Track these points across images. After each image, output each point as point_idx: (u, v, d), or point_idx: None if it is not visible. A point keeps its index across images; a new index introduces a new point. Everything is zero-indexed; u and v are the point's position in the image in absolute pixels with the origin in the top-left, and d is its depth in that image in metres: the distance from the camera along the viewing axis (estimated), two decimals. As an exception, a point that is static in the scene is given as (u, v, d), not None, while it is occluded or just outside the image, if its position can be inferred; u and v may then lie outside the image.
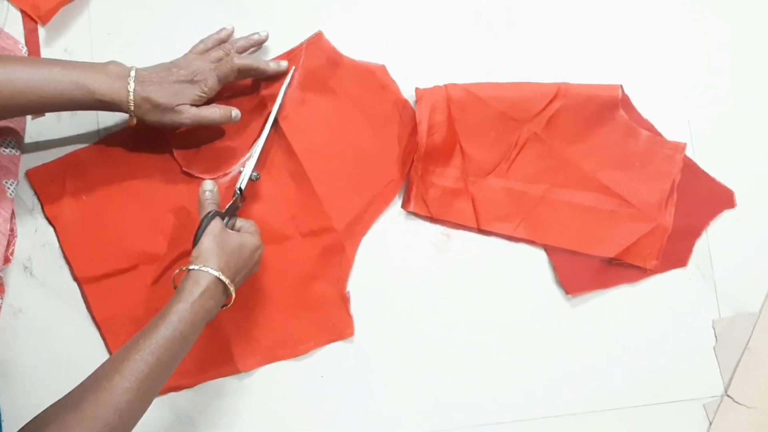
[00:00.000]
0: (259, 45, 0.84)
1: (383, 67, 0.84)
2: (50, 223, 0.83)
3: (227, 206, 0.78)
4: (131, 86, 0.74)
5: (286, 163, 0.83)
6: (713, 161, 0.85)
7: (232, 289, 0.71)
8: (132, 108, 0.74)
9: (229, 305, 0.72)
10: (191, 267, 0.70)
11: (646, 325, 0.84)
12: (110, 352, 0.82)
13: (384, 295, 0.84)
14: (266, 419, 0.82)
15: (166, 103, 0.75)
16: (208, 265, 0.70)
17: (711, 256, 0.84)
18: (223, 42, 0.82)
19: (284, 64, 0.83)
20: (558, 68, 0.85)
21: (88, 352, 0.82)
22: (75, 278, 0.82)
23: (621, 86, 0.83)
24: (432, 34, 0.86)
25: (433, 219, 0.84)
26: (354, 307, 0.83)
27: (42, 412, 0.63)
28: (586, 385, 0.83)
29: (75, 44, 0.84)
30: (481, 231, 0.84)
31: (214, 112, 0.78)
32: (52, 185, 0.83)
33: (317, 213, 0.83)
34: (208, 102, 0.79)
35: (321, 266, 0.83)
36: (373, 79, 0.84)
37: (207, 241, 0.72)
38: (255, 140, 0.83)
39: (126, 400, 0.63)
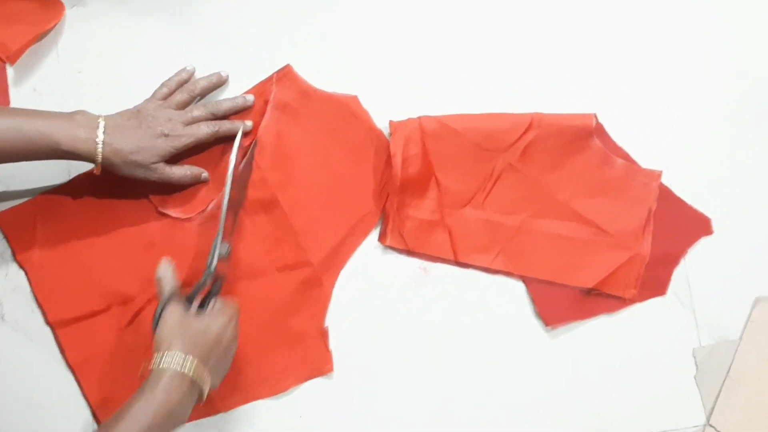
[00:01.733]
0: (220, 86, 0.83)
1: (355, 98, 0.84)
2: (21, 267, 0.81)
3: (194, 287, 0.74)
4: (99, 138, 0.72)
5: (260, 197, 0.83)
6: (689, 189, 0.85)
7: (200, 383, 0.67)
8: (100, 160, 0.73)
9: (203, 399, 0.68)
10: (152, 366, 0.66)
11: (627, 355, 0.83)
12: (85, 397, 0.80)
13: (363, 331, 0.83)
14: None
15: (137, 160, 0.74)
16: (168, 361, 0.66)
17: (689, 284, 0.84)
18: (184, 83, 0.81)
19: (249, 123, 0.82)
20: (532, 98, 0.85)
21: (63, 397, 0.80)
22: (48, 322, 0.81)
23: (595, 115, 0.83)
24: (404, 67, 0.85)
25: (410, 252, 0.83)
26: (332, 343, 0.82)
27: None
28: (567, 417, 0.82)
29: (44, 84, 0.83)
30: (458, 263, 0.83)
31: (185, 174, 0.78)
32: (22, 229, 0.82)
33: (292, 247, 0.82)
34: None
35: (298, 301, 0.82)
36: (346, 110, 0.84)
37: (165, 332, 0.68)
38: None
39: None
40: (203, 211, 0.82)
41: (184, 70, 0.82)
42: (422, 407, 0.82)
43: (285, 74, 0.84)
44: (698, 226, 0.85)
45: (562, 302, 0.83)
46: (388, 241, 0.83)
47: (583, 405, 0.82)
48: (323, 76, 0.84)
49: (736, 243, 0.85)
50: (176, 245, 0.81)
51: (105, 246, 0.82)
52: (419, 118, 0.83)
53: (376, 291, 0.83)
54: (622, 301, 0.83)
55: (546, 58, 0.86)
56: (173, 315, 0.69)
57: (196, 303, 0.73)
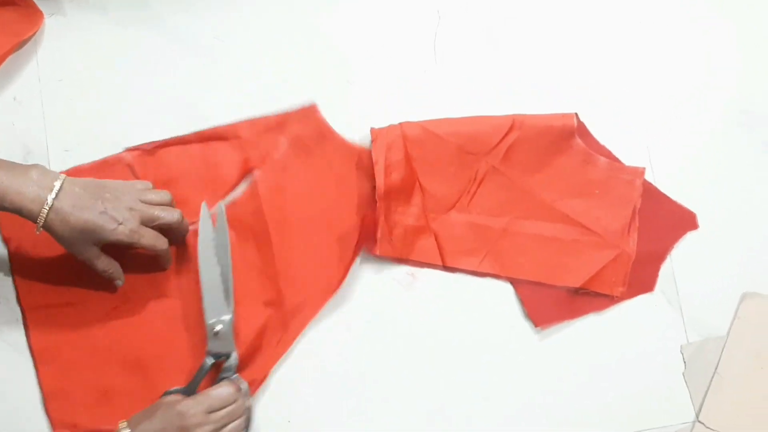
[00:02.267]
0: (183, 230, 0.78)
1: (369, 151, 0.83)
2: (5, 244, 0.80)
3: (192, 378, 0.75)
4: (49, 202, 0.67)
5: (253, 225, 0.81)
6: (674, 185, 0.85)
7: None
8: (41, 225, 0.68)
9: None
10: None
11: (615, 354, 0.83)
12: (41, 385, 0.78)
13: (353, 338, 0.82)
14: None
15: (78, 239, 0.70)
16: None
17: (676, 281, 0.84)
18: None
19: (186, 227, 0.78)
20: (513, 100, 0.85)
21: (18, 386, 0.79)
22: (19, 304, 0.79)
23: (576, 114, 0.83)
24: (385, 73, 0.86)
25: (398, 259, 0.83)
26: (321, 351, 0.82)
27: None
28: (558, 417, 0.82)
29: (24, 92, 0.82)
30: (446, 268, 0.83)
31: (106, 269, 0.74)
32: None
33: (270, 285, 0.81)
34: None
35: (256, 340, 0.80)
36: (358, 161, 0.83)
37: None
38: None
39: None
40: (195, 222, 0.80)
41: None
42: (414, 411, 0.81)
43: (309, 112, 0.83)
44: (684, 221, 0.85)
45: (550, 303, 0.82)
46: (378, 252, 0.82)
47: (573, 404, 0.82)
48: (311, 81, 0.85)
49: (722, 239, 0.85)
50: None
51: None
52: (401, 124, 0.83)
53: (364, 298, 0.82)
54: (611, 299, 0.83)
55: (526, 59, 0.87)
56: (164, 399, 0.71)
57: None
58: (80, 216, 0.69)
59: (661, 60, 0.88)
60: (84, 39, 0.84)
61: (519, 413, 0.82)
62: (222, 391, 0.72)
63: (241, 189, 0.82)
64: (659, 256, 0.84)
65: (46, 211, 0.67)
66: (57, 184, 0.68)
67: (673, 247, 0.84)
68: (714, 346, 0.84)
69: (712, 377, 0.83)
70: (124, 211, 0.71)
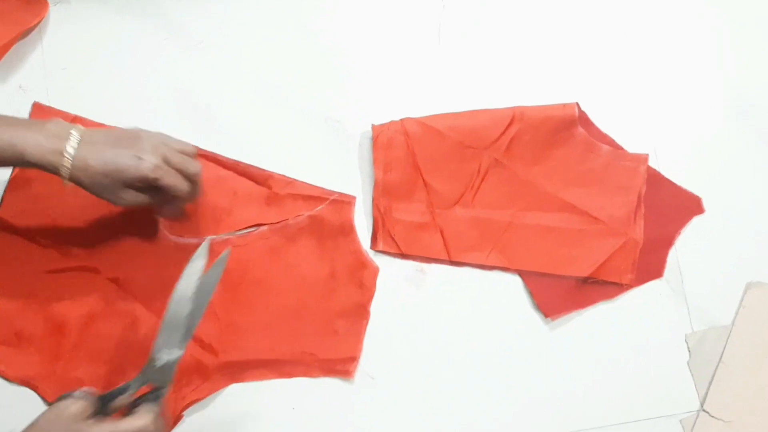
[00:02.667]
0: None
1: (376, 270, 0.82)
2: None
3: (116, 388, 0.67)
4: (69, 151, 0.65)
5: (234, 269, 0.79)
6: (678, 172, 0.85)
7: None
8: (66, 176, 0.66)
9: None
10: None
11: (620, 344, 0.83)
12: None
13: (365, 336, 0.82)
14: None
15: (105, 182, 0.67)
16: None
17: (681, 271, 0.84)
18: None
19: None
20: (515, 91, 0.85)
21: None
22: None
23: (577, 104, 0.83)
24: (388, 63, 0.85)
25: (404, 255, 0.82)
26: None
27: None
28: (566, 406, 0.82)
29: (30, 80, 0.82)
30: (453, 263, 0.82)
31: (143, 200, 0.70)
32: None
33: (216, 331, 0.79)
34: None
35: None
36: (359, 274, 0.82)
37: (43, 415, 0.63)
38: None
39: None
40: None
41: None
42: (427, 404, 0.81)
43: (345, 202, 0.82)
44: (689, 205, 0.85)
45: (560, 293, 0.82)
46: (380, 246, 0.82)
47: (580, 393, 0.82)
48: (306, 79, 0.85)
49: (726, 228, 0.85)
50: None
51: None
52: (401, 120, 0.83)
53: (376, 296, 0.82)
54: (620, 287, 0.83)
55: (529, 48, 0.87)
56: (66, 408, 0.63)
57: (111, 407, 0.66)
58: (101, 158, 0.66)
59: (664, 47, 0.88)
60: (89, 28, 0.83)
61: (530, 403, 0.82)
62: (139, 423, 0.64)
63: (242, 233, 0.81)
64: (666, 242, 0.84)
65: (69, 161, 0.65)
66: (74, 134, 0.66)
67: (680, 232, 0.84)
68: (719, 335, 0.83)
69: (717, 366, 0.83)
70: (146, 150, 0.67)
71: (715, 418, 0.81)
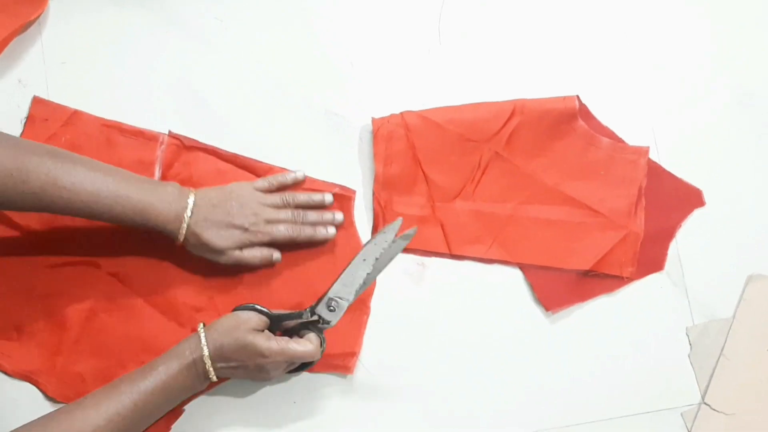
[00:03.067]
0: (321, 205, 0.81)
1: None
2: None
3: (288, 312, 0.76)
4: (185, 221, 0.72)
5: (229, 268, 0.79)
6: (679, 164, 0.85)
7: (210, 372, 0.71)
8: (181, 240, 0.73)
9: (207, 390, 0.74)
10: (201, 330, 0.72)
11: (621, 337, 0.83)
12: None
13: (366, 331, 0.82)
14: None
15: (212, 247, 0.74)
16: (208, 340, 0.71)
17: (681, 264, 0.84)
18: (286, 187, 0.80)
19: (334, 229, 0.80)
20: (515, 84, 0.85)
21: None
22: None
23: (577, 96, 0.83)
24: (388, 55, 0.85)
25: (404, 249, 0.81)
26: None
27: None
28: (567, 399, 0.82)
29: (29, 75, 0.82)
30: (454, 256, 0.82)
31: (255, 256, 0.77)
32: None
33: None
34: None
35: None
36: None
37: (225, 322, 0.72)
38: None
39: None
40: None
41: (291, 173, 0.81)
42: (427, 398, 0.81)
43: (346, 196, 0.82)
44: (690, 198, 0.85)
45: (560, 286, 0.82)
46: (378, 240, 0.82)
47: (580, 386, 0.82)
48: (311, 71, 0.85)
49: (727, 221, 0.85)
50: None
51: None
52: (402, 113, 0.83)
53: (375, 291, 0.82)
54: (621, 280, 0.83)
55: (529, 40, 0.86)
56: (245, 317, 0.72)
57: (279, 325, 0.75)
58: (211, 229, 0.73)
59: (663, 39, 0.88)
60: (88, 21, 0.83)
61: (530, 396, 0.82)
62: (308, 348, 0.72)
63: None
64: (667, 235, 0.84)
65: (184, 230, 0.72)
66: (190, 202, 0.73)
67: (680, 225, 0.84)
68: (720, 328, 0.83)
69: (718, 359, 0.83)
70: (251, 216, 0.75)
71: (717, 411, 0.81)
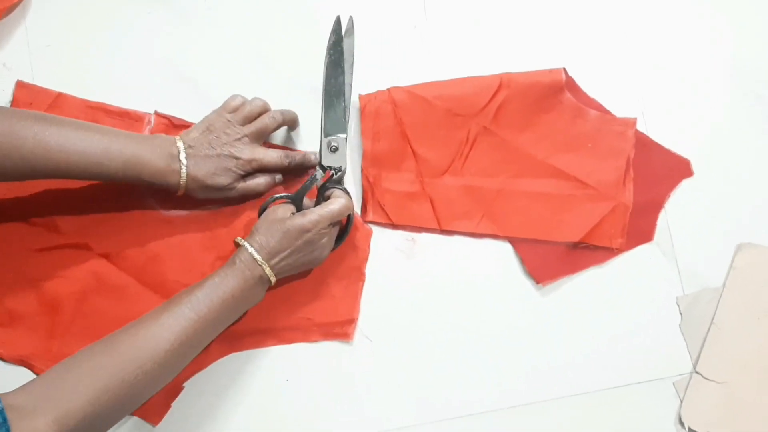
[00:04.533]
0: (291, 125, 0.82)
1: (369, 231, 0.82)
2: None
3: (301, 187, 0.78)
4: (183, 170, 0.73)
5: (223, 240, 0.81)
6: (667, 135, 0.85)
7: (268, 272, 0.72)
8: (182, 190, 0.74)
9: (272, 285, 0.74)
10: (241, 241, 0.73)
11: (613, 308, 0.83)
12: None
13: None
14: (228, 424, 0.80)
15: (217, 184, 0.75)
16: (253, 245, 0.72)
17: (671, 233, 0.84)
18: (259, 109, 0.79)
19: (315, 157, 0.81)
20: (502, 58, 0.84)
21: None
22: None
23: (564, 69, 0.83)
24: (374, 31, 0.84)
25: (394, 225, 0.82)
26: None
27: (75, 354, 0.65)
28: (559, 371, 0.82)
29: (14, 58, 0.82)
30: (444, 231, 0.83)
31: (260, 183, 0.78)
32: None
33: None
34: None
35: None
36: (352, 236, 0.82)
37: (259, 224, 0.74)
38: None
39: (163, 350, 0.65)
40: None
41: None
42: (420, 373, 0.82)
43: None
44: (678, 168, 0.85)
45: (550, 259, 0.82)
46: (370, 217, 0.82)
47: (573, 358, 0.82)
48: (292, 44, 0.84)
49: (716, 190, 0.85)
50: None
51: None
52: (388, 89, 0.82)
53: (368, 263, 0.82)
54: (610, 252, 0.83)
55: (516, 12, 0.86)
56: (274, 212, 0.74)
57: (303, 202, 0.77)
58: (206, 168, 0.74)
59: (650, 9, 0.87)
60: (72, 4, 0.83)
61: (522, 368, 0.82)
62: (342, 203, 0.75)
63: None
64: (656, 205, 0.84)
65: (183, 180, 0.73)
66: (181, 146, 0.73)
67: (669, 195, 0.84)
68: (710, 297, 0.84)
69: (709, 328, 0.83)
70: (235, 143, 0.76)
71: (708, 379, 0.82)
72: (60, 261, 0.80)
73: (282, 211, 0.74)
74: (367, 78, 0.83)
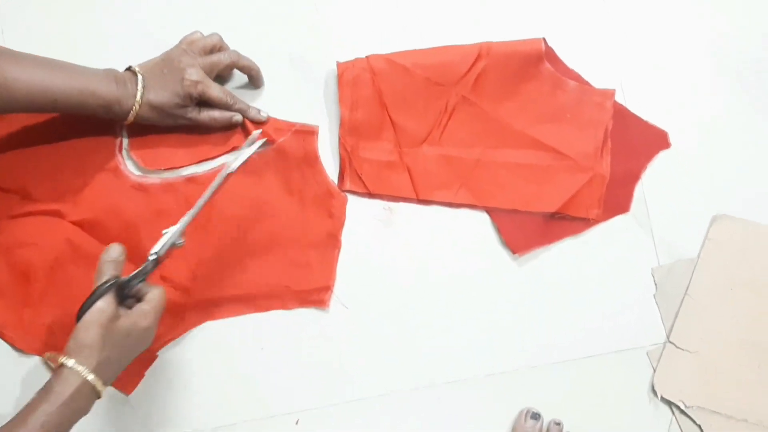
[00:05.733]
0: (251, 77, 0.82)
1: (344, 199, 0.82)
2: None
3: (134, 273, 0.68)
4: (138, 95, 0.73)
5: (207, 212, 0.79)
6: (645, 107, 0.85)
7: (101, 391, 0.64)
8: (136, 114, 0.74)
9: (101, 398, 0.65)
10: (65, 360, 0.63)
11: (589, 278, 0.84)
12: None
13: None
14: (202, 392, 0.80)
15: (163, 104, 0.75)
16: (85, 364, 0.63)
17: (647, 204, 0.85)
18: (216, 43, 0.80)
19: (264, 114, 0.80)
20: (482, 26, 0.84)
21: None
22: None
23: (544, 39, 0.83)
24: (351, 5, 0.84)
25: (372, 195, 0.82)
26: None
27: None
28: (533, 341, 0.83)
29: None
30: (421, 201, 0.82)
31: (213, 116, 0.78)
32: None
33: (187, 269, 0.80)
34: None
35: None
36: (328, 203, 0.82)
37: (90, 331, 0.63)
38: (210, 158, 0.81)
39: None
40: (165, 170, 0.80)
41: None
42: (397, 342, 0.82)
43: (307, 131, 0.82)
44: (656, 140, 0.85)
45: (527, 229, 0.83)
46: (347, 186, 0.81)
47: (547, 327, 0.83)
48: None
49: (692, 162, 0.86)
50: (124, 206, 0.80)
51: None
52: (367, 57, 0.81)
53: (344, 236, 0.82)
54: (587, 222, 0.83)
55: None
56: (101, 317, 0.64)
57: (130, 290, 0.68)
58: (163, 95, 0.75)
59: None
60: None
61: (497, 338, 0.82)
62: (161, 292, 0.69)
63: (207, 170, 0.81)
64: (633, 177, 0.84)
65: (137, 107, 0.74)
66: (140, 81, 0.74)
67: (646, 167, 0.84)
68: (685, 268, 0.84)
69: (683, 299, 0.84)
70: (189, 69, 0.75)
71: (681, 349, 0.83)
72: (33, 229, 0.79)
73: (108, 312, 0.64)
74: (345, 45, 0.83)
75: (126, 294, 0.68)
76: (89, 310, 0.64)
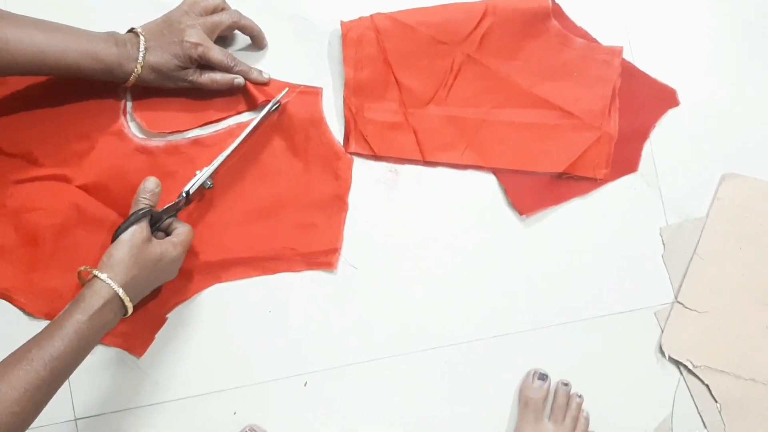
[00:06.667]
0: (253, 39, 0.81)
1: (350, 160, 0.81)
2: None
3: (166, 207, 0.73)
4: (140, 57, 0.73)
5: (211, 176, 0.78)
6: (654, 64, 0.84)
7: (129, 307, 0.68)
8: (137, 77, 0.74)
9: (128, 316, 0.69)
10: (97, 273, 0.67)
11: (596, 238, 0.83)
12: None
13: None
14: (212, 355, 0.80)
15: (164, 67, 0.74)
16: (115, 279, 0.67)
17: (655, 164, 0.84)
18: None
19: (266, 76, 0.80)
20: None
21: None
22: None
23: (551, -5, 0.81)
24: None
25: (377, 157, 0.81)
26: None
27: None
28: (541, 302, 0.83)
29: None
30: (427, 163, 0.82)
31: (214, 78, 0.77)
32: None
33: (202, 237, 0.80)
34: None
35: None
36: (334, 165, 0.81)
37: (122, 250, 0.68)
38: (213, 121, 0.80)
39: (11, 412, 0.59)
40: (169, 133, 0.80)
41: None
42: (405, 305, 0.82)
43: (313, 94, 0.81)
44: (664, 98, 0.84)
45: (534, 190, 0.82)
46: (352, 147, 0.81)
47: (555, 288, 0.83)
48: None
49: (701, 120, 0.85)
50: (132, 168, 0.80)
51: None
52: (372, 16, 0.80)
53: (350, 200, 0.82)
54: (594, 182, 0.83)
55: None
56: (135, 238, 0.69)
57: (161, 224, 0.73)
58: (164, 56, 0.74)
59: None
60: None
61: (505, 299, 0.83)
62: (189, 229, 0.74)
63: (212, 132, 0.80)
64: (641, 135, 0.83)
65: (138, 69, 0.74)
66: (142, 44, 0.73)
67: (655, 125, 0.84)
68: (693, 227, 0.84)
69: (691, 258, 0.83)
70: (190, 30, 0.75)
71: (689, 309, 0.83)
72: (39, 193, 0.79)
73: (139, 235, 0.69)
74: (348, 3, 0.81)
75: (158, 227, 0.73)
76: (125, 232, 0.69)
